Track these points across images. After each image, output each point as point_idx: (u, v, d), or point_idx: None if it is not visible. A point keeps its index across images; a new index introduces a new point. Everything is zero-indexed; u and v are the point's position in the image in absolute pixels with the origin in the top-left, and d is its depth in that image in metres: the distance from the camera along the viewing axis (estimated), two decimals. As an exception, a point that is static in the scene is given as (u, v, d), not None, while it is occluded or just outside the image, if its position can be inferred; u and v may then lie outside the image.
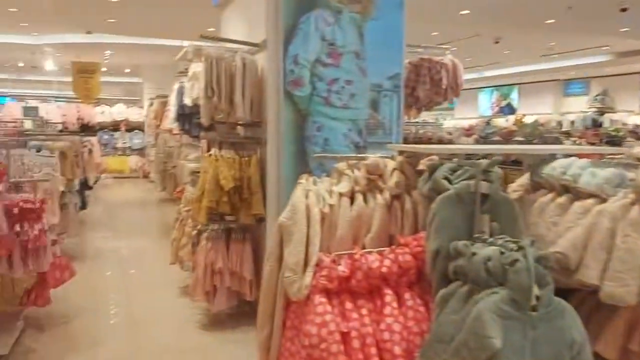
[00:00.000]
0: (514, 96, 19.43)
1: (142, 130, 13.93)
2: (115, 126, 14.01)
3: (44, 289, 3.78)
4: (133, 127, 14.14)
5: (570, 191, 1.98)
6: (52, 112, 12.64)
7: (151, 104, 11.97)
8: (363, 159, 2.18)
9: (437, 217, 1.79)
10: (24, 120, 9.74)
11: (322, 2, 3.77)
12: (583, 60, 14.18)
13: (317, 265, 1.87)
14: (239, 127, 4.24)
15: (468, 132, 9.93)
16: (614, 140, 7.60)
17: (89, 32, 11.22)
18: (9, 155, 3.47)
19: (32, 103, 12.46)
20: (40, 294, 3.75)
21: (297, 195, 1.99)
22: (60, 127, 11.66)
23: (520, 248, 1.62)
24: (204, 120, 3.84)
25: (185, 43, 11.00)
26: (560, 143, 5.51)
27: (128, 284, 5.20)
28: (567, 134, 13.71)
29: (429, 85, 4.29)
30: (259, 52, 3.98)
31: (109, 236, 7.44)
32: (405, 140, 4.36)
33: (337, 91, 3.87)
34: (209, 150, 4.13)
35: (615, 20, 8.10)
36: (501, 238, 1.78)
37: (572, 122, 15.78)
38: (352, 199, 2.08)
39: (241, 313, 4.12)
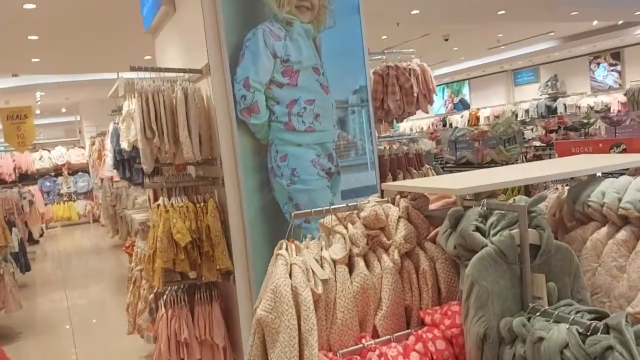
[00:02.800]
0: (466, 91, 19.46)
1: (87, 172, 13.02)
2: (57, 171, 13.02)
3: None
4: (76, 170, 13.18)
5: (630, 222, 1.52)
6: (-17, 164, 11.66)
7: (93, 143, 11.14)
8: (355, 208, 1.65)
9: (477, 286, 1.28)
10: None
11: (268, 14, 3.26)
12: (530, 49, 14.23)
13: (318, 375, 1.33)
14: (188, 167, 3.65)
15: (432, 135, 9.62)
16: (584, 128, 7.36)
17: (15, 75, 10.35)
18: None
19: (-39, 157, 11.44)
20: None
21: (278, 275, 1.44)
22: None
23: (607, 325, 1.13)
24: (146, 166, 3.24)
25: (123, 74, 10.34)
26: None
27: (82, 358, 4.48)
28: (524, 123, 13.70)
29: (399, 95, 3.83)
30: (202, 79, 3.43)
31: (59, 299, 6.62)
32: (382, 160, 3.88)
33: (299, 113, 3.36)
34: (156, 199, 3.52)
35: (567, 3, 7.95)
36: (567, 305, 1.29)
37: (527, 111, 15.85)
38: (350, 266, 1.55)
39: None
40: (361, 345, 1.39)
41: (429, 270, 1.55)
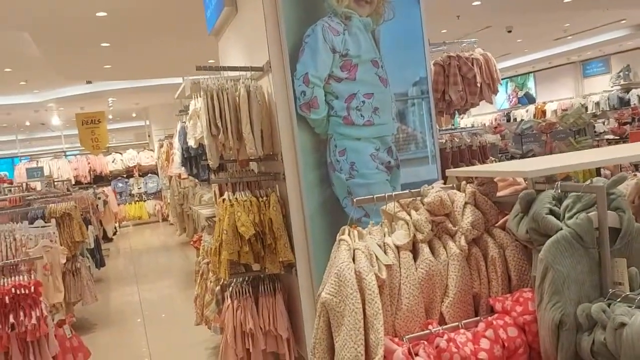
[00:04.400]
0: (531, 85, 18.70)
1: (156, 173, 13.61)
2: (128, 173, 13.69)
3: (56, 378, 3.28)
4: (146, 171, 13.81)
5: None
6: (63, 167, 12.44)
7: (161, 146, 11.63)
8: (419, 194, 1.63)
9: (551, 270, 1.23)
10: (31, 182, 9.46)
11: (327, 9, 3.28)
12: (600, 38, 13.47)
13: (385, 358, 1.32)
14: (252, 163, 3.73)
15: (495, 129, 9.32)
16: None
17: (89, 82, 10.97)
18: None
19: (43, 160, 12.25)
20: (52, 384, 3.25)
21: (341, 259, 1.44)
22: (73, 181, 11.42)
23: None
24: (212, 161, 3.34)
25: (189, 78, 10.72)
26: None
27: (154, 350, 4.67)
28: (595, 116, 12.99)
29: (461, 86, 3.74)
30: (264, 76, 3.49)
31: (131, 293, 6.96)
32: (444, 153, 3.80)
33: (357, 107, 3.35)
34: (221, 194, 3.63)
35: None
36: (651, 291, 1.21)
37: (597, 104, 15.03)
38: (415, 253, 1.53)
39: (282, 377, 3.57)
40: (428, 331, 1.37)
41: (499, 258, 1.50)
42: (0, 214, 3.89)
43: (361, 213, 3.17)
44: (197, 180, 7.83)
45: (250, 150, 3.30)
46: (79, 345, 3.54)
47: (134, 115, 16.93)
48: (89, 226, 6.88)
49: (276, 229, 3.31)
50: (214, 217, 4.15)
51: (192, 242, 4.64)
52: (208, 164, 3.84)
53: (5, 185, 10.11)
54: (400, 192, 1.67)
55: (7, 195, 6.16)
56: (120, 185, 13.58)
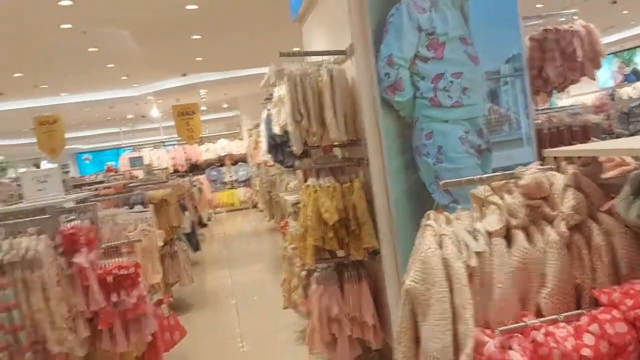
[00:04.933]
0: (638, 60, 17.03)
1: (246, 162, 14.09)
2: (220, 161, 14.29)
3: (155, 354, 3.49)
4: (237, 160, 14.34)
5: None
6: (162, 156, 13.25)
7: (250, 135, 12.00)
8: (512, 176, 1.51)
9: (669, 261, 1.08)
10: (135, 171, 10.16)
11: (412, -13, 3.14)
12: None
13: (475, 351, 1.23)
14: (335, 149, 3.71)
15: (598, 109, 8.60)
16: None
17: (183, 75, 11.54)
18: (95, 217, 3.23)
19: (144, 150, 13.10)
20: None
21: (427, 246, 1.37)
22: (171, 170, 12.11)
23: None
24: (296, 148, 3.36)
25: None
26: None
27: (245, 331, 4.85)
28: None
29: (559, 61, 3.45)
30: (347, 60, 3.44)
31: (224, 276, 7.28)
32: (540, 135, 3.54)
33: (445, 88, 3.19)
34: (305, 180, 3.65)
35: None
36: None
37: None
38: (508, 239, 1.42)
39: (368, 364, 3.55)
40: (523, 323, 1.27)
41: (605, 245, 1.36)
42: (105, 200, 4.19)
43: (449, 199, 3.05)
44: (282, 168, 8.00)
45: (333, 135, 3.28)
46: (175, 324, 3.75)
47: (225, 106, 17.61)
48: (185, 212, 7.27)
49: (360, 215, 3.27)
50: (299, 203, 4.20)
51: (280, 228, 4.73)
52: (292, 151, 3.88)
53: (112, 174, 10.97)
54: (491, 174, 1.56)
55: (112, 183, 6.66)
56: (213, 173, 14.22)
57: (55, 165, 10.46)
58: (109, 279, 2.96)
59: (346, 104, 3.35)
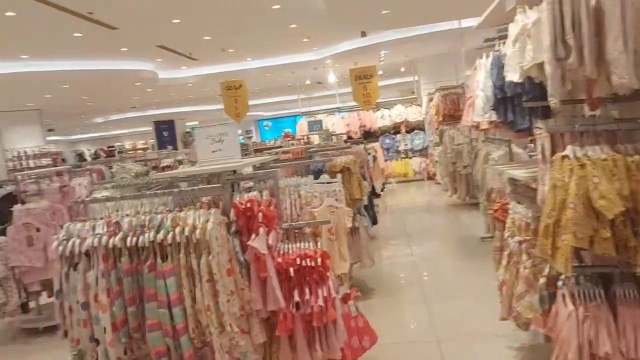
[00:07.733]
0: None
1: (422, 130, 13.03)
2: (395, 129, 13.45)
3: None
4: (412, 128, 13.37)
5: None
6: (337, 123, 12.85)
7: (431, 99, 10.88)
8: None
9: None
10: (311, 136, 9.80)
11: None
12: None
13: None
14: (607, 105, 2.51)
15: None
16: None
17: (363, 34, 10.79)
18: (276, 188, 2.53)
19: (320, 117, 12.83)
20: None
21: None
22: (345, 137, 11.63)
23: None
24: (554, 99, 2.25)
25: (463, 23, 9.58)
26: None
27: (441, 332, 3.94)
28: None
29: None
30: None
31: (405, 255, 6.46)
32: None
33: None
34: (553, 150, 2.52)
35: None
36: None
37: None
38: None
39: None
40: None
41: None
42: (285, 166, 3.55)
43: None
44: (482, 137, 6.75)
45: (620, 80, 2.10)
46: (364, 326, 2.98)
47: (402, 70, 16.61)
48: (364, 182, 6.57)
49: (660, 206, 2.08)
50: (531, 180, 3.08)
51: (494, 211, 3.66)
52: (531, 108, 2.77)
53: (289, 139, 10.82)
54: None
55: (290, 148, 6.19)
56: (387, 141, 13.45)
57: (231, 121, 10.59)
58: (291, 271, 2.25)
59: (638, 32, 2.14)
